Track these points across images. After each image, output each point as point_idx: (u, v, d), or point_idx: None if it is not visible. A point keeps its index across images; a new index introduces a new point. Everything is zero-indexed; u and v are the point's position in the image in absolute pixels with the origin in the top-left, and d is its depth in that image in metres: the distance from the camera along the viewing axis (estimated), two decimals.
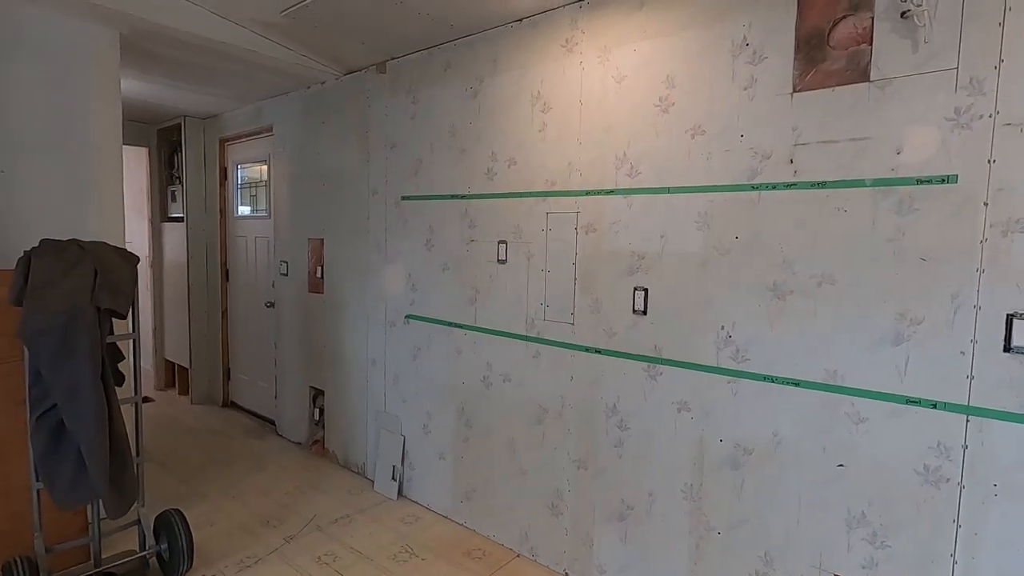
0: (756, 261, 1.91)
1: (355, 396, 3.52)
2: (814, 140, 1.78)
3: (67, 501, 2.05)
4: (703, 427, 2.06)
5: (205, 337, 4.84)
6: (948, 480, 1.60)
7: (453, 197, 2.86)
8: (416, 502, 3.14)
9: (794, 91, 1.81)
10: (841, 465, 1.77)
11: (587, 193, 2.34)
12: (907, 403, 1.65)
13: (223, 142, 4.62)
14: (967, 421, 1.57)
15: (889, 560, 1.70)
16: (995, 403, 1.53)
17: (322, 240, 3.68)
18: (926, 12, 1.55)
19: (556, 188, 2.44)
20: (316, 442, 3.85)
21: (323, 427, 3.79)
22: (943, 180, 1.57)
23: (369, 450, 3.44)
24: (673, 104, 2.08)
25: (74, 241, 2.16)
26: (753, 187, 1.90)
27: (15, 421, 2.22)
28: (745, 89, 1.91)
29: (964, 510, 1.58)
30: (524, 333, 2.59)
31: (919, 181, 1.61)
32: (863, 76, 1.68)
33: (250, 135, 4.34)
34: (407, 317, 3.14)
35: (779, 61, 1.83)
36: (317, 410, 3.85)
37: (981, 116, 1.52)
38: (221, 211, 4.68)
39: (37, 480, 2.09)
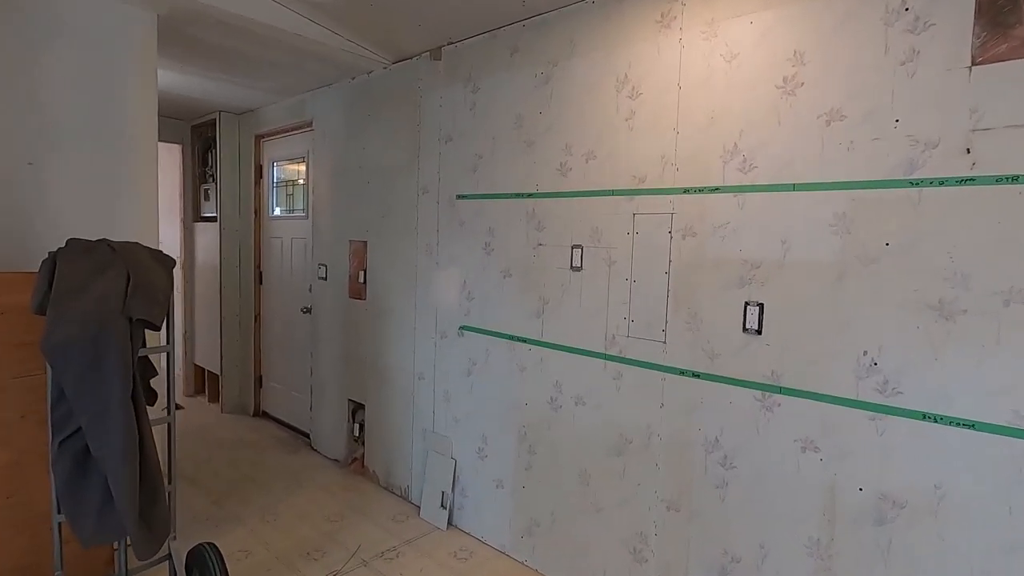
0: (914, 273, 1.56)
1: (399, 412, 3.23)
2: (1001, 124, 1.43)
3: (92, 538, 1.79)
4: (836, 471, 1.72)
5: (237, 343, 4.61)
6: None
7: (518, 196, 2.56)
8: (468, 533, 2.84)
9: (973, 64, 1.47)
10: None
11: (685, 191, 2.02)
12: None
13: (258, 138, 4.39)
14: None
15: None
16: None
17: (365, 242, 3.41)
18: None
19: (645, 186, 2.12)
20: (355, 460, 3.57)
21: (363, 444, 3.51)
22: None
23: (414, 472, 3.14)
24: (802, 84, 1.75)
25: (104, 241, 1.90)
26: (912, 183, 1.56)
27: (37, 443, 1.98)
28: (903, 64, 1.57)
29: None
30: (603, 351, 2.27)
31: None
32: None
33: (288, 130, 4.10)
34: (461, 328, 2.84)
35: (951, 28, 1.49)
36: (356, 425, 3.57)
37: None
38: (256, 211, 4.46)
39: (59, 512, 1.84)
